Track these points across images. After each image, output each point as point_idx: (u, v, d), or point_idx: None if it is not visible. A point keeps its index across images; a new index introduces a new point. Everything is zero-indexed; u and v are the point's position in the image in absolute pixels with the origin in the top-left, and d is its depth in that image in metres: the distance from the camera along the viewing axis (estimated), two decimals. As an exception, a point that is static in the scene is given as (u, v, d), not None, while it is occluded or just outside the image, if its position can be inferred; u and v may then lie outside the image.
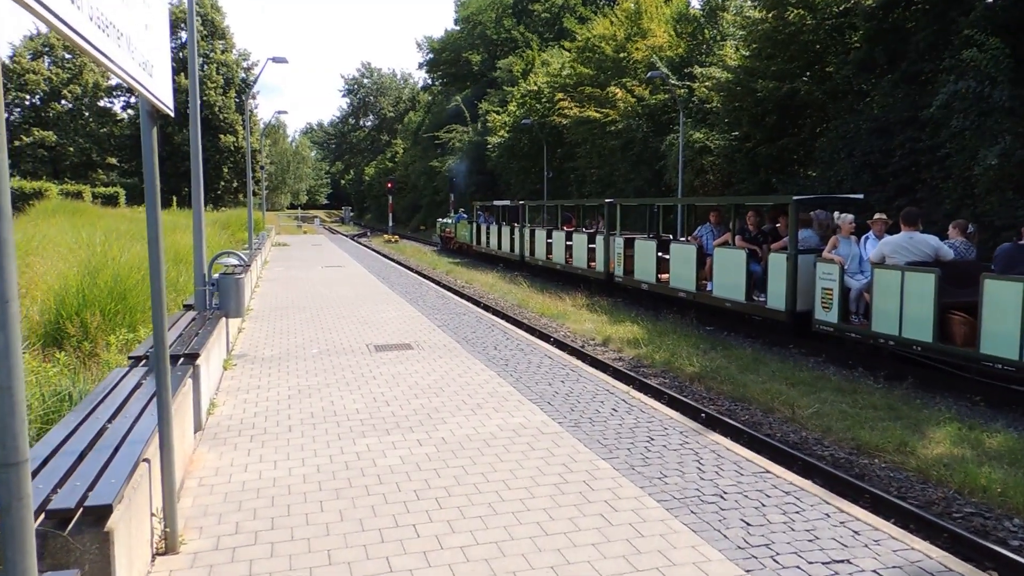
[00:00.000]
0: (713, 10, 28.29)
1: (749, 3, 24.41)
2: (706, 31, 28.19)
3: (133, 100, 57.09)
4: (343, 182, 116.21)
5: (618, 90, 30.28)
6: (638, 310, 16.13)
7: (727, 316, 13.84)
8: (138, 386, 5.62)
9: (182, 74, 55.26)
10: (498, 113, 44.56)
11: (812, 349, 11.77)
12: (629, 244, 17.19)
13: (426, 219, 57.41)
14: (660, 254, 15.80)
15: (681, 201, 20.62)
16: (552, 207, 25.11)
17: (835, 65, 19.91)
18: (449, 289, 20.10)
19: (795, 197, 12.08)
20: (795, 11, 20.23)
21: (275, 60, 22.63)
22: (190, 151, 9.49)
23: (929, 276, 9.15)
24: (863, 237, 11.05)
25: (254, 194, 51.97)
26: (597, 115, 31.15)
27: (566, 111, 33.23)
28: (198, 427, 6.52)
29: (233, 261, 10.10)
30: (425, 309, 13.89)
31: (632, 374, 10.58)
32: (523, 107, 40.41)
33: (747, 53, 22.77)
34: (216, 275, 9.57)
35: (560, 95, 34.53)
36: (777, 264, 11.93)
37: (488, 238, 29.13)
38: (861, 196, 13.11)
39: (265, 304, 14.61)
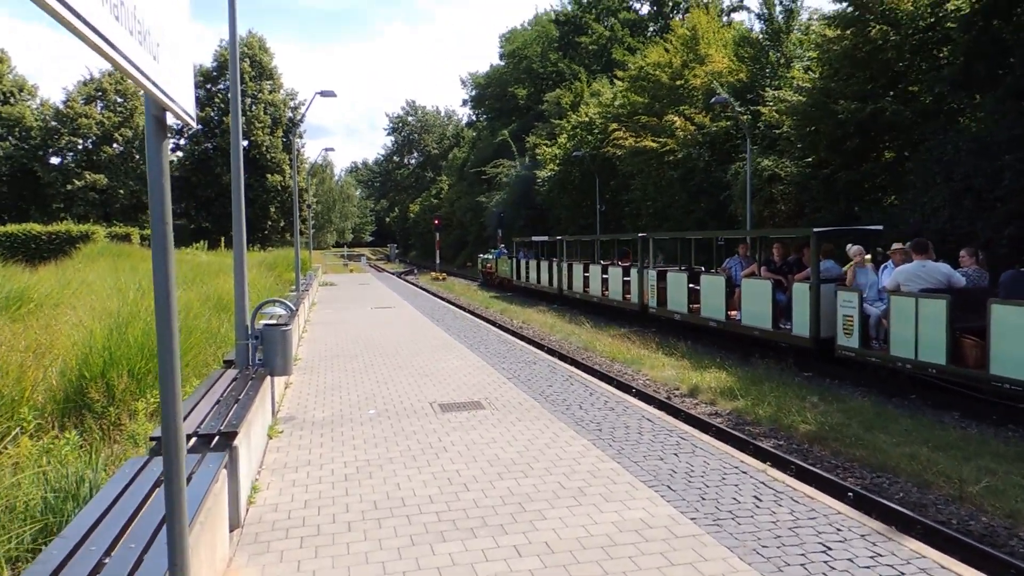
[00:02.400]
0: (777, 32, 26.88)
1: (818, 23, 23.02)
2: (771, 54, 26.74)
3: (182, 142, 57.67)
4: (388, 219, 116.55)
5: (676, 118, 28.90)
6: (700, 347, 15.64)
7: (755, 344, 14.22)
8: (157, 484, 4.33)
9: (230, 115, 55.72)
10: (548, 146, 43.48)
11: (858, 380, 11.73)
12: (662, 276, 17.94)
13: (472, 255, 56.44)
14: (691, 285, 16.45)
15: (711, 234, 20.99)
16: (588, 241, 26.22)
17: (924, 83, 18.28)
18: (506, 330, 18.75)
19: (815, 229, 12.87)
20: (877, 27, 18.70)
21: (323, 94, 21.85)
22: (232, 191, 8.34)
23: (941, 302, 9.70)
24: (882, 266, 11.73)
25: (300, 233, 51.80)
26: (654, 144, 29.78)
27: (620, 141, 31.91)
28: (235, 525, 5.21)
29: (280, 311, 8.89)
30: (488, 356, 12.53)
31: (738, 434, 9.05)
32: (573, 139, 39.27)
33: (821, 74, 21.25)
34: (260, 325, 8.37)
35: (614, 125, 33.27)
36: (801, 293, 12.64)
37: (527, 272, 30.06)
38: (880, 228, 13.98)
39: (314, 352, 13.41)
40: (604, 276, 21.70)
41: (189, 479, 4.39)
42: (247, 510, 5.55)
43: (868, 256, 12.17)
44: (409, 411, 8.61)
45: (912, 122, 18.42)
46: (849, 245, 12.22)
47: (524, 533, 4.93)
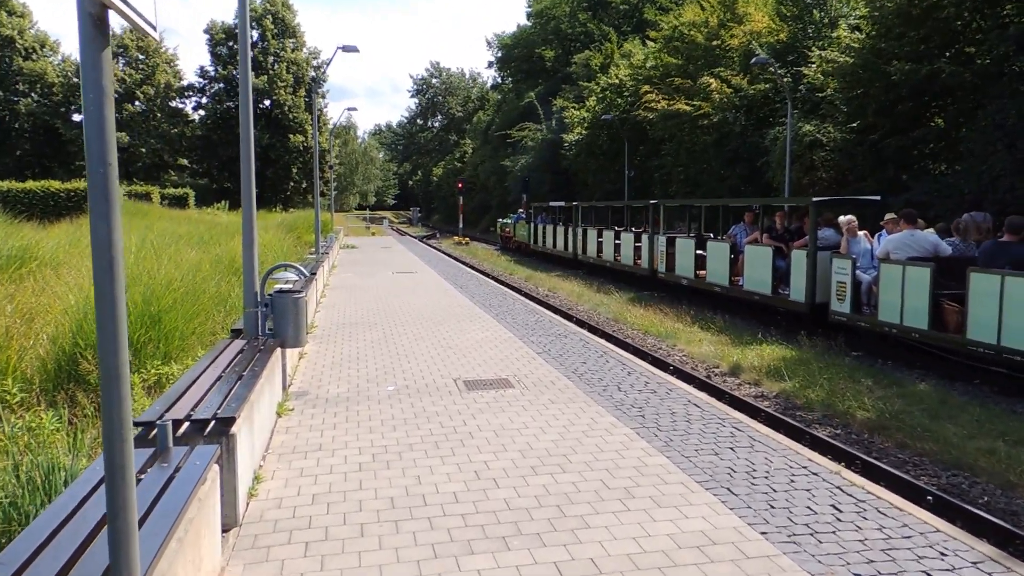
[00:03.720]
0: (822, -11, 25.45)
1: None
2: (815, 12, 25.34)
3: (204, 100, 57.03)
4: (411, 183, 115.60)
5: (712, 80, 27.64)
6: (712, 313, 15.62)
7: (755, 308, 14.78)
8: (142, 473, 3.64)
9: (252, 73, 54.84)
10: (575, 109, 42.20)
11: (831, 337, 12.12)
12: (671, 243, 18.36)
13: (495, 219, 55.50)
14: (699, 251, 16.93)
15: (719, 202, 21.96)
16: (603, 208, 26.64)
17: (986, 43, 17.00)
18: (533, 299, 18.00)
19: (814, 199, 13.22)
20: (935, -19, 17.39)
21: (345, 49, 20.94)
22: (240, 148, 7.57)
23: (925, 270, 10.15)
24: (876, 235, 12.01)
25: (323, 195, 51.05)
26: (688, 108, 28.57)
27: (652, 104, 30.69)
28: (232, 524, 4.53)
29: (292, 276, 8.16)
30: (516, 328, 11.78)
31: (790, 420, 8.27)
32: (602, 102, 37.99)
33: (870, 33, 19.95)
34: (271, 293, 7.67)
35: (646, 87, 32.00)
36: (799, 260, 13.03)
37: (544, 238, 30.66)
38: (878, 198, 14.16)
39: (331, 319, 12.74)
40: (617, 242, 22.26)
41: (172, 478, 3.70)
42: (247, 505, 4.88)
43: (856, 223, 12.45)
44: (431, 388, 7.90)
45: (972, 85, 17.18)
46: (843, 217, 12.53)
47: (565, 546, 4.20)
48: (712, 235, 18.09)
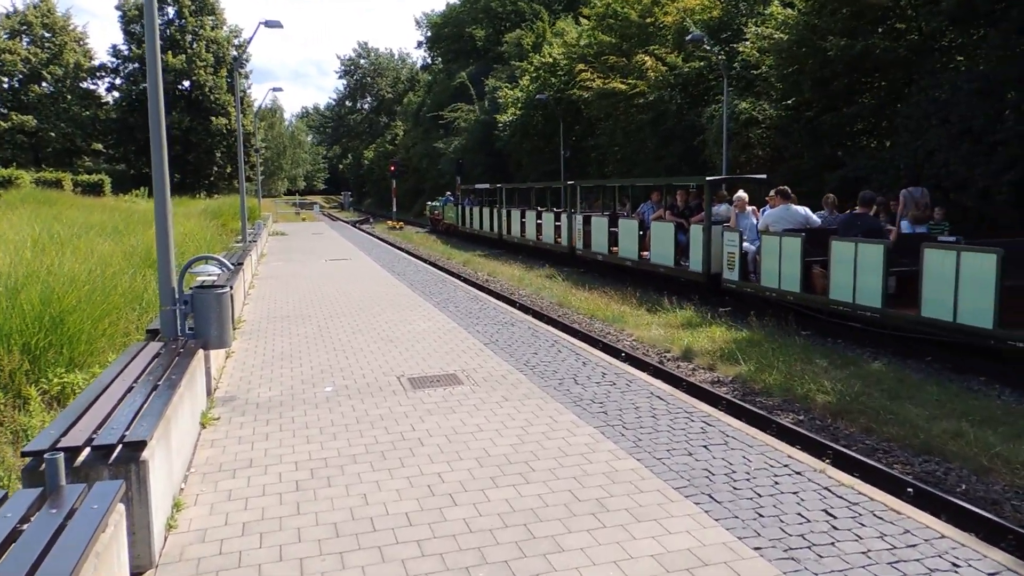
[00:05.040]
0: (754, -34, 25.32)
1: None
2: (748, -11, 25.24)
3: (118, 81, 54.18)
4: (341, 167, 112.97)
5: (647, 58, 27.34)
6: (636, 290, 15.93)
7: (661, 280, 15.85)
8: (13, 535, 2.93)
9: (169, 52, 52.17)
10: (509, 89, 41.49)
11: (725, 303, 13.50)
12: (587, 221, 19.51)
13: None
14: (612, 229, 18.02)
15: (628, 182, 22.34)
16: (525, 189, 27.62)
17: (917, 19, 17.07)
18: (474, 285, 17.42)
19: (708, 178, 14.64)
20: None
21: (268, 24, 19.81)
22: (149, 128, 6.73)
23: (797, 239, 11.37)
24: (762, 209, 12.96)
25: (249, 180, 49.05)
26: (623, 86, 28.22)
27: (587, 83, 30.26)
28: (146, 566, 3.85)
29: (214, 269, 7.38)
30: (459, 317, 11.19)
31: (750, 407, 7.95)
32: (536, 82, 37.40)
33: (803, 9, 19.86)
34: (191, 288, 6.91)
35: (580, 66, 31.54)
36: (696, 234, 14.22)
37: (471, 219, 31.60)
38: (764, 176, 15.73)
39: (261, 312, 11.91)
40: (538, 221, 23.41)
41: (63, 527, 2.99)
42: (165, 540, 4.19)
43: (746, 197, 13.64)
44: (373, 387, 7.26)
45: (905, 60, 17.25)
46: (739, 192, 13.63)
47: (539, 576, 3.68)
48: (608, 213, 19.32)
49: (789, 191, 12.53)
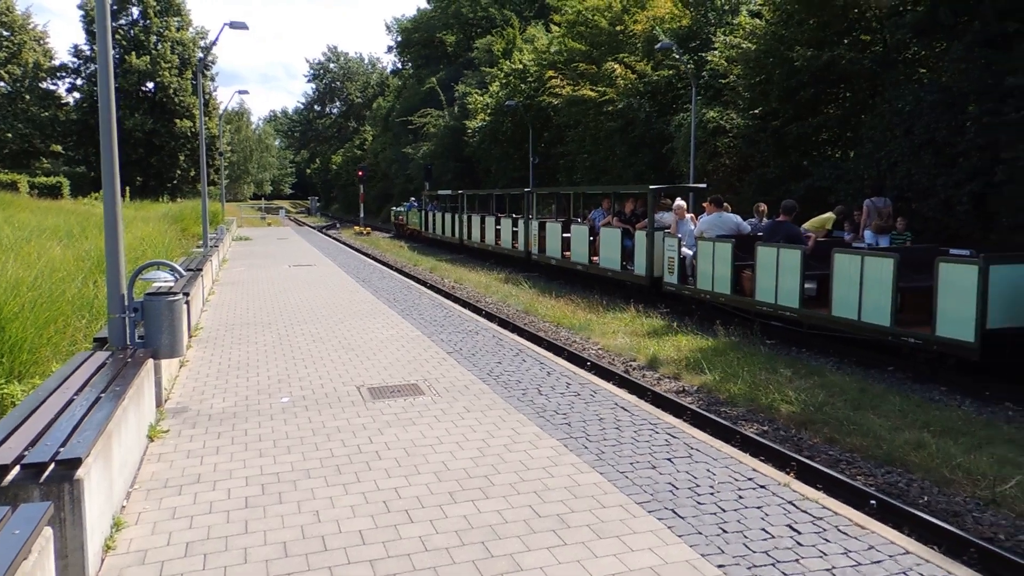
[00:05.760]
0: (723, -25, 25.53)
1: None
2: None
3: (79, 82, 53.07)
4: (309, 171, 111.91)
5: (617, 65, 27.41)
6: (609, 299, 15.93)
7: (609, 283, 16.64)
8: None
9: (133, 53, 51.23)
10: (479, 95, 41.39)
11: (673, 308, 14.12)
12: (542, 227, 20.35)
13: (395, 209, 54.11)
14: (564, 234, 18.82)
15: (579, 190, 23.61)
16: (485, 195, 27.97)
17: (882, 30, 17.29)
18: (440, 292, 17.24)
19: (651, 187, 15.44)
20: (832, -33, 17.51)
21: (233, 25, 19.45)
22: (99, 128, 6.44)
23: (728, 245, 12.15)
24: (700, 217, 13.55)
25: (213, 183, 48.29)
26: (592, 94, 28.25)
27: (557, 90, 30.26)
28: (78, 593, 3.63)
29: (166, 276, 7.13)
30: (423, 324, 11.01)
31: (715, 417, 7.88)
32: (506, 88, 37.35)
33: (771, 19, 20.03)
34: (145, 295, 6.66)
35: (550, 72, 31.54)
36: (640, 240, 15.02)
37: (434, 224, 32.42)
38: (705, 185, 16.97)
39: (219, 319, 11.62)
40: (497, 227, 24.12)
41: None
42: (102, 561, 3.97)
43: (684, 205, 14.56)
44: (332, 398, 7.06)
45: (870, 72, 17.45)
46: (679, 200, 14.61)
47: (496, 599, 3.53)
48: (562, 219, 19.96)
49: (722, 199, 13.42)
